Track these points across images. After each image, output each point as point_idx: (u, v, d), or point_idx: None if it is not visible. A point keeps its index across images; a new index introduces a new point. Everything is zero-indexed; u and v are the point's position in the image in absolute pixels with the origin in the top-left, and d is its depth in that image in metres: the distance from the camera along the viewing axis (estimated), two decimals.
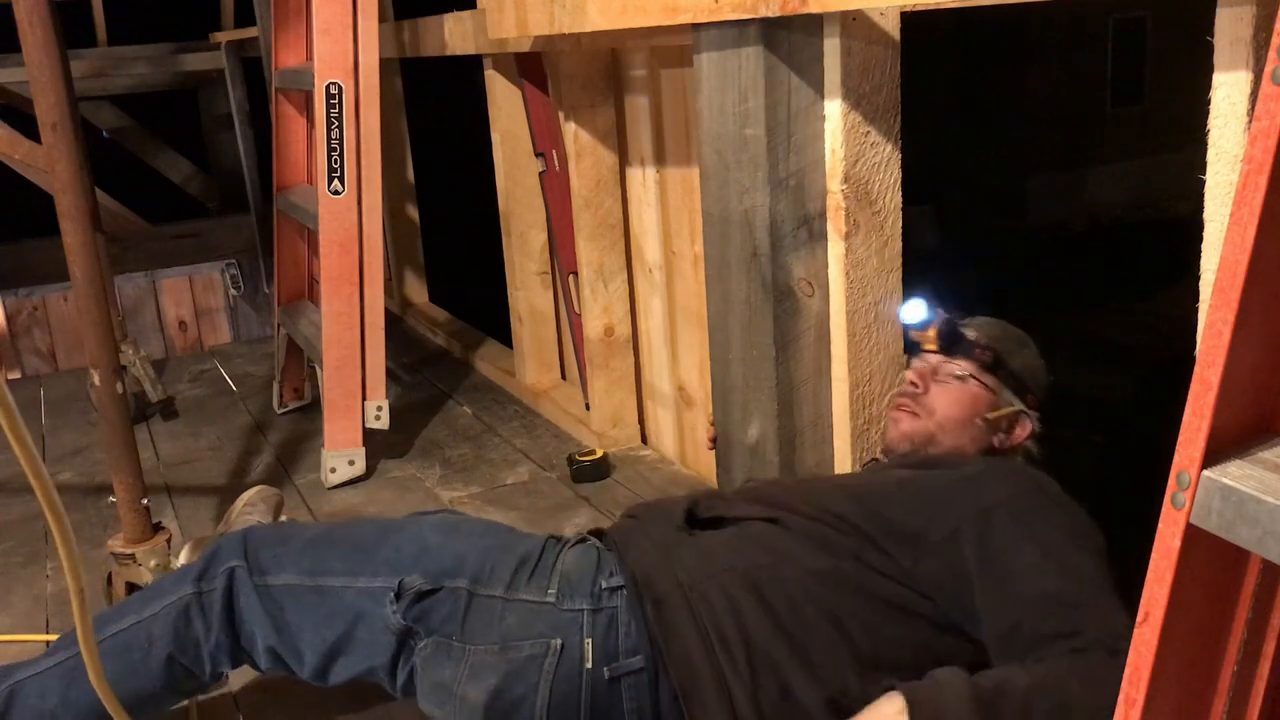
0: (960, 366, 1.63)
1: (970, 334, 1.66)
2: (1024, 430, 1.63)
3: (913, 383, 1.66)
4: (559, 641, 1.37)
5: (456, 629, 1.40)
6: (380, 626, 1.43)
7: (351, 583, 1.46)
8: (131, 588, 1.85)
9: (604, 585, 1.42)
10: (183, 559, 2.00)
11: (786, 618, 1.35)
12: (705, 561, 1.42)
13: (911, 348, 1.73)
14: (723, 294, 1.92)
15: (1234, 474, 0.72)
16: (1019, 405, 1.63)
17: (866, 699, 1.23)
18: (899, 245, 1.85)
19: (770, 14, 1.59)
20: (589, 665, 1.37)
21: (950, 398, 1.62)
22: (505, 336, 3.36)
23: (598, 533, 1.58)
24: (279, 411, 3.17)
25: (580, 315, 2.72)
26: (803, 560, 1.40)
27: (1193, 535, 0.74)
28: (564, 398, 3.01)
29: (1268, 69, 0.68)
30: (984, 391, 1.62)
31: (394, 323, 3.81)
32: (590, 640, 1.38)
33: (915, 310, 1.69)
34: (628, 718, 1.38)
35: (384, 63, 2.67)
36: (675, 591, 1.39)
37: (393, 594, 1.42)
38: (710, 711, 1.33)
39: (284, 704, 1.71)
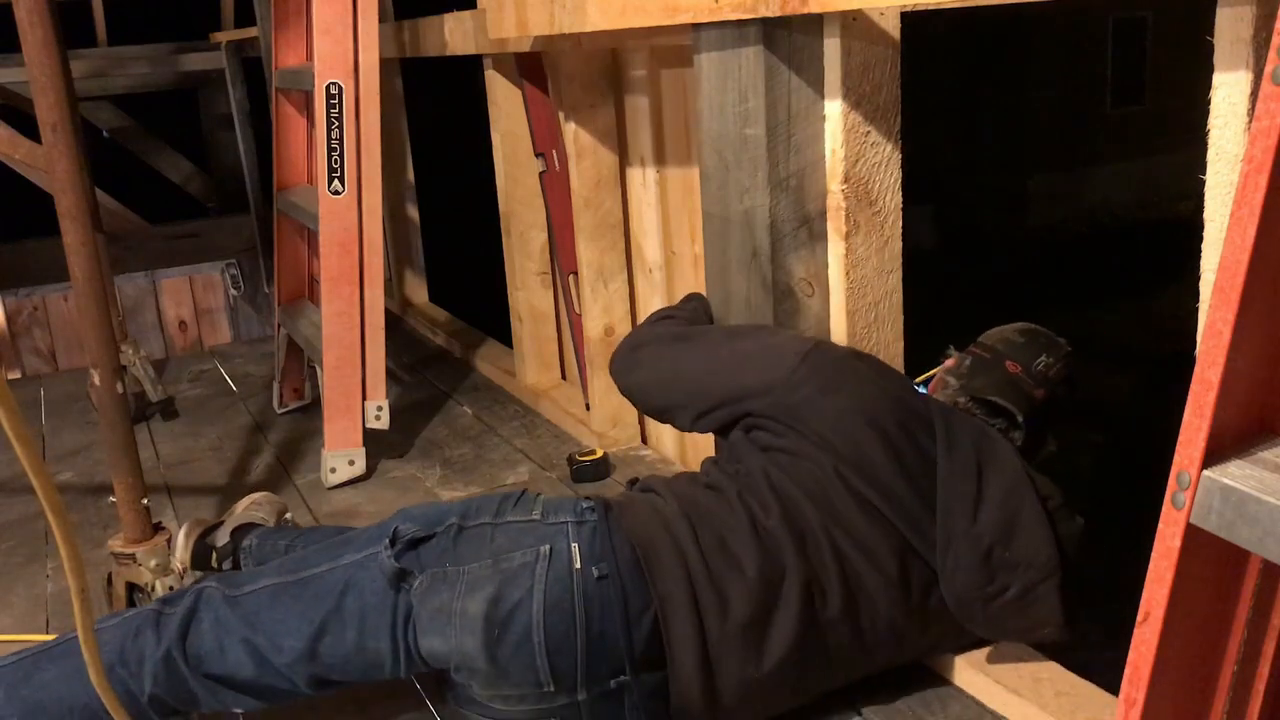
0: None
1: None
2: (949, 360, 1.70)
3: None
4: (548, 547, 1.47)
5: (449, 558, 1.48)
6: (371, 588, 1.48)
7: (336, 563, 1.53)
8: (132, 588, 1.85)
9: (584, 506, 1.54)
10: (180, 539, 2.01)
11: (712, 540, 1.51)
12: (664, 498, 1.58)
13: None
14: (723, 294, 1.92)
15: (1234, 474, 0.72)
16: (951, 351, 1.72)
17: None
18: (899, 245, 1.85)
19: (770, 14, 1.58)
20: (578, 565, 1.45)
21: None
22: (505, 336, 3.35)
23: None
24: (279, 411, 3.17)
25: (580, 315, 2.72)
26: (720, 512, 1.54)
27: (1193, 535, 0.74)
28: (564, 398, 3.01)
29: (1268, 69, 0.68)
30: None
31: (394, 323, 3.81)
32: (576, 544, 1.48)
33: None
34: (618, 618, 1.45)
35: (384, 63, 2.67)
36: (642, 501, 1.58)
37: (387, 541, 1.49)
38: (666, 565, 1.47)
39: (284, 705, 1.70)
